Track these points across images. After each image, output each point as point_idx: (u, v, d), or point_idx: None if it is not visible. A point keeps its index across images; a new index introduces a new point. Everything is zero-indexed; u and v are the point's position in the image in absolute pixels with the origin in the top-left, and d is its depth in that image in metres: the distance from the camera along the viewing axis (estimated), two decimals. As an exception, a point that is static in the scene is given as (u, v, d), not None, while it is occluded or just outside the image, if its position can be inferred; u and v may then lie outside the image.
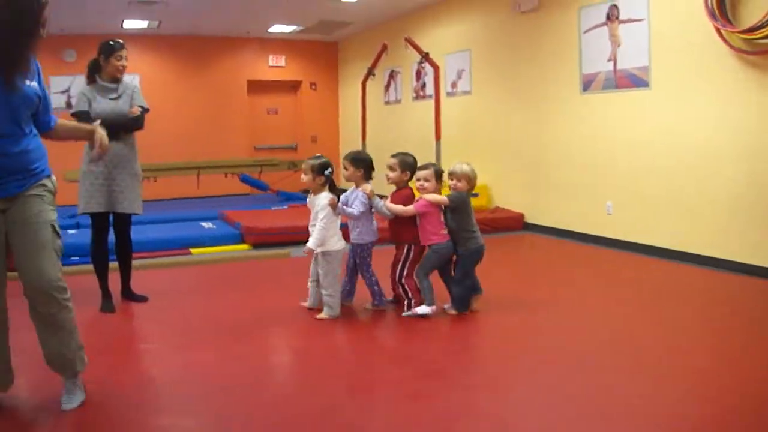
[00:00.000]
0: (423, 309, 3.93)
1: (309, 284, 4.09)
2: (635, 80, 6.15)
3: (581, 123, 6.85)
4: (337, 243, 3.93)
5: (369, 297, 4.16)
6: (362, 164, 4.05)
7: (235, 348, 3.45)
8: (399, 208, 3.97)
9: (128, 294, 4.53)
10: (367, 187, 3.99)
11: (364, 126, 9.34)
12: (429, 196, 3.96)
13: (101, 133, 2.86)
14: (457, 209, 3.94)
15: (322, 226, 3.87)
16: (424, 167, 4.02)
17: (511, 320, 3.90)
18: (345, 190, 4.16)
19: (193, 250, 6.36)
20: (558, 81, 7.12)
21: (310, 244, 3.87)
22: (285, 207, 8.66)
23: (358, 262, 4.07)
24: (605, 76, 6.48)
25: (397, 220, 4.00)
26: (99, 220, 4.27)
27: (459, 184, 3.96)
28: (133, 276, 4.61)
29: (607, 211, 6.59)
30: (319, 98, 12.60)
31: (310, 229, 3.96)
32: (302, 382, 3.00)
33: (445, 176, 4.06)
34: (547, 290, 4.66)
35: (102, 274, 4.36)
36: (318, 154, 4.03)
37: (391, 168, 4.05)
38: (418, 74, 9.86)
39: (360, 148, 9.50)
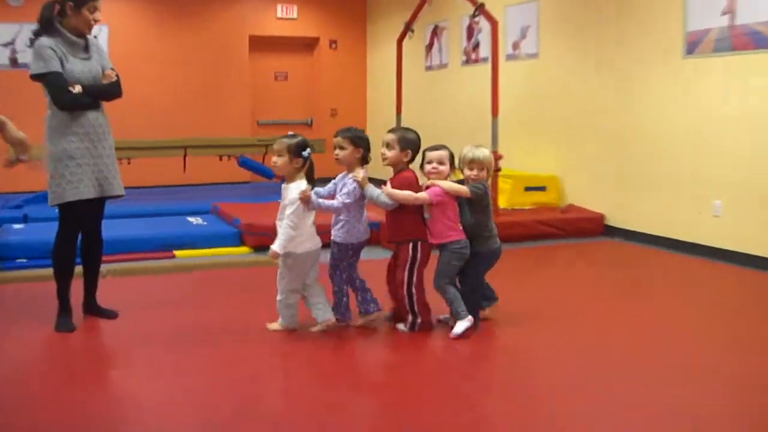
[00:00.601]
0: (462, 325, 4.06)
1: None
2: (759, 40, 6.02)
3: (682, 97, 6.75)
4: (303, 244, 4.01)
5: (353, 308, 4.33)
6: (363, 143, 4.15)
7: (222, 375, 3.54)
8: (405, 194, 4.05)
9: (93, 308, 4.57)
10: (360, 172, 4.08)
11: (399, 97, 9.33)
12: (445, 183, 4.08)
13: (15, 134, 2.80)
14: (478, 203, 4.12)
15: (289, 224, 3.93)
16: (436, 147, 4.16)
17: (580, 352, 3.93)
18: (327, 180, 4.22)
19: (177, 253, 6.41)
20: (653, 41, 7.03)
21: (276, 246, 3.94)
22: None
23: (340, 264, 4.17)
24: (718, 35, 6.37)
25: (399, 211, 4.09)
26: (84, 210, 4.30)
27: (481, 173, 4.13)
28: (100, 285, 4.66)
29: (714, 212, 6.49)
30: (341, 60, 12.63)
31: (277, 225, 4.07)
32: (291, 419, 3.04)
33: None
34: (629, 316, 4.61)
35: (67, 281, 4.38)
36: (292, 133, 4.10)
37: (389, 145, 4.14)
38: (470, 31, 9.83)
39: (394, 124, 9.53)
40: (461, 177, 4.21)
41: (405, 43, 9.09)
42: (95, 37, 4.48)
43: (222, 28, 11.80)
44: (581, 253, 6.75)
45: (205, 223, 7.22)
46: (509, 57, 8.96)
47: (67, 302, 4.38)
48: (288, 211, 3.95)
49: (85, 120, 4.26)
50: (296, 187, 3.97)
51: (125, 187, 4.52)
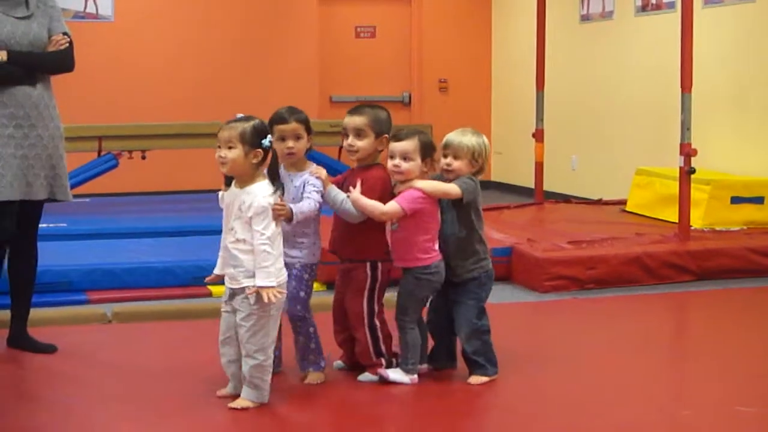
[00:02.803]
0: (399, 377, 4.37)
1: (222, 353, 4.22)
2: None
3: None
4: (281, 270, 4.11)
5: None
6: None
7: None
8: (372, 204, 4.27)
9: (24, 341, 4.85)
10: (321, 169, 4.34)
11: (541, 65, 9.29)
12: (423, 183, 4.29)
13: None
14: (469, 206, 4.37)
15: (266, 245, 3.98)
16: (403, 135, 4.36)
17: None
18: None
19: (214, 289, 6.48)
20: None
21: (266, 280, 3.98)
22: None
23: (297, 294, 4.38)
24: None
25: (359, 224, 4.33)
26: (2, 217, 4.55)
27: (456, 164, 4.36)
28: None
29: None
30: (454, 10, 12.67)
31: (223, 252, 4.18)
32: None
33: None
34: None
35: None
36: (241, 114, 4.14)
37: (358, 132, 4.36)
38: (648, -37, 9.74)
39: (533, 102, 9.49)
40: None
41: (550, -19, 9.13)
42: None
43: (280, -36, 12.01)
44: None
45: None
46: (709, 0, 8.82)
47: None
48: (258, 226, 3.99)
49: (10, 98, 4.45)
50: (261, 191, 4.03)
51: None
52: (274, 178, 4.12)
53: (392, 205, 4.25)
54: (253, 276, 3.99)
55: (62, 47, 4.58)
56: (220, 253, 4.21)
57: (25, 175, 4.50)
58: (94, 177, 9.13)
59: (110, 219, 8.48)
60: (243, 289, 4.02)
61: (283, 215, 4.08)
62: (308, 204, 4.23)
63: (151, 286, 6.51)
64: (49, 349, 4.85)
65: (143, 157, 9.25)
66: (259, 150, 4.05)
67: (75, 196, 9.14)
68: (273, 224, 4.02)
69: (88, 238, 7.51)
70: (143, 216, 8.80)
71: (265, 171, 4.12)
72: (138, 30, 11.29)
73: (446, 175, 4.36)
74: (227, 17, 11.78)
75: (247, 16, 11.86)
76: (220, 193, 4.20)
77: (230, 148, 4.02)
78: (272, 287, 3.96)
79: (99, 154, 9.09)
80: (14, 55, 4.41)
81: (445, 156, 4.37)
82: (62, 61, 4.61)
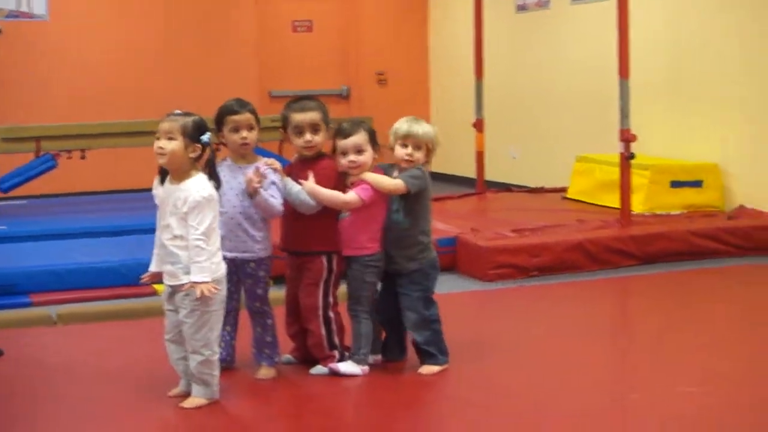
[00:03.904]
0: (351, 368, 4.41)
1: (170, 352, 4.23)
2: None
3: None
4: (220, 263, 4.12)
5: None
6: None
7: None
8: (331, 194, 4.36)
9: None
10: (275, 161, 4.45)
11: (479, 55, 9.33)
12: (372, 177, 4.37)
13: None
14: (417, 198, 4.44)
15: (201, 240, 3.98)
16: (347, 130, 4.40)
17: None
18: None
19: (159, 287, 6.45)
20: None
21: (200, 276, 3.97)
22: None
23: (254, 291, 4.46)
24: None
25: (312, 216, 4.40)
26: None
27: (417, 154, 4.43)
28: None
29: None
30: (391, 3, 12.69)
31: (158, 249, 4.19)
32: None
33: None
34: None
35: None
36: (179, 111, 4.15)
37: (314, 127, 4.43)
38: (583, -49, 9.79)
39: (472, 92, 9.51)
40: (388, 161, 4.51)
41: (486, -29, 9.16)
42: None
43: (215, -42, 11.94)
44: (762, 280, 6.64)
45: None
46: (643, -12, 8.88)
47: None
48: (193, 221, 3.99)
49: None
50: (196, 186, 4.02)
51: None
52: (213, 174, 4.12)
53: (352, 196, 4.31)
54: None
55: None
56: (155, 251, 4.20)
57: None
58: (33, 178, 8.99)
59: (51, 220, 8.36)
60: (183, 286, 4.01)
61: (253, 191, 4.21)
62: (275, 203, 4.30)
63: (96, 286, 6.45)
64: None
65: (82, 157, 9.13)
66: (198, 145, 4.05)
67: (13, 197, 9.22)
68: (208, 219, 4.00)
69: (29, 240, 7.42)
70: (84, 216, 8.68)
71: (203, 166, 4.12)
72: (74, 28, 11.16)
73: (406, 165, 4.39)
74: (164, 14, 11.69)
75: (185, 13, 11.78)
76: (154, 187, 4.17)
77: (170, 139, 4.02)
78: (207, 282, 3.94)
79: (37, 155, 8.96)
80: None
81: (405, 146, 4.40)
82: None
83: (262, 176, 4.25)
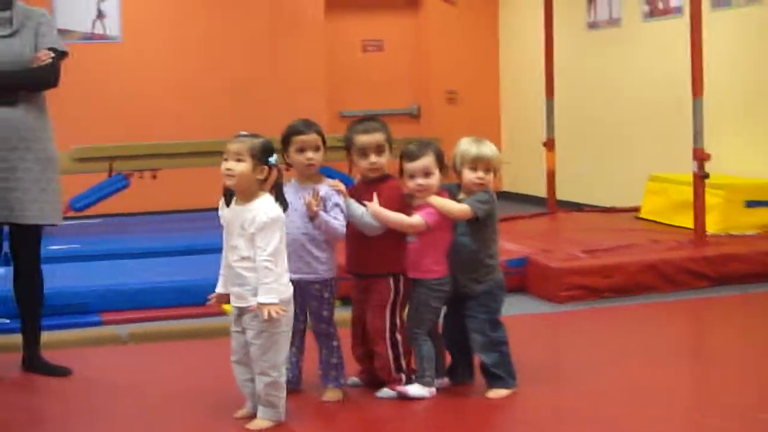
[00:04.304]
0: (418, 391, 4.35)
1: (236, 374, 4.21)
2: None
3: None
4: (288, 284, 4.10)
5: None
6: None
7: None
8: (397, 217, 4.32)
9: (37, 363, 4.89)
10: (340, 183, 4.39)
11: (549, 73, 9.26)
12: (438, 201, 4.32)
13: None
14: (484, 221, 4.38)
15: (268, 261, 3.96)
16: (415, 153, 4.35)
17: None
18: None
19: (227, 307, 6.47)
20: None
21: (267, 297, 3.95)
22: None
23: (319, 313, 4.42)
24: None
25: (377, 237, 4.35)
26: None
27: (487, 177, 4.38)
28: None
29: None
30: (461, 21, 12.59)
31: (225, 270, 4.20)
32: None
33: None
34: None
35: None
36: (244, 132, 4.16)
37: (379, 148, 4.38)
38: (655, -32, 9.71)
39: (543, 112, 9.45)
40: (454, 181, 4.45)
41: (557, -11, 9.10)
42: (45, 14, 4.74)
43: (286, -21, 12.01)
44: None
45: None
46: (717, 4, 8.77)
47: None
48: (261, 242, 3.97)
49: None
50: (264, 206, 4.01)
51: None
52: (280, 197, 4.11)
53: (417, 219, 4.27)
54: None
55: (43, 63, 4.58)
56: (221, 272, 4.22)
57: (5, 199, 4.58)
58: (106, 197, 9.13)
59: (122, 239, 8.48)
60: (250, 308, 4.01)
61: (315, 210, 4.18)
62: (337, 225, 4.27)
63: (166, 305, 6.50)
64: (64, 371, 4.87)
65: (154, 177, 9.24)
66: (266, 167, 4.05)
67: (86, 216, 9.33)
68: (275, 240, 3.99)
69: (101, 259, 7.52)
70: (155, 235, 8.80)
71: (270, 188, 4.12)
72: (146, 50, 11.28)
73: (475, 189, 4.34)
74: (234, 34, 11.75)
75: (255, 33, 11.84)
76: (220, 208, 4.19)
77: (239, 160, 4.02)
78: (274, 304, 3.93)
79: (110, 175, 9.08)
80: None
81: (474, 169, 4.34)
82: (41, 77, 4.61)
83: (322, 199, 4.22)
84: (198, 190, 10.93)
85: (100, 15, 11.14)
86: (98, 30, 11.15)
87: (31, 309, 4.91)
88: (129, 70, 11.20)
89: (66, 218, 9.02)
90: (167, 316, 6.37)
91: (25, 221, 4.64)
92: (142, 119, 11.08)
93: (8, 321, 6.00)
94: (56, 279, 6.38)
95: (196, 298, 6.49)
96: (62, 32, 10.66)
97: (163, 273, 6.97)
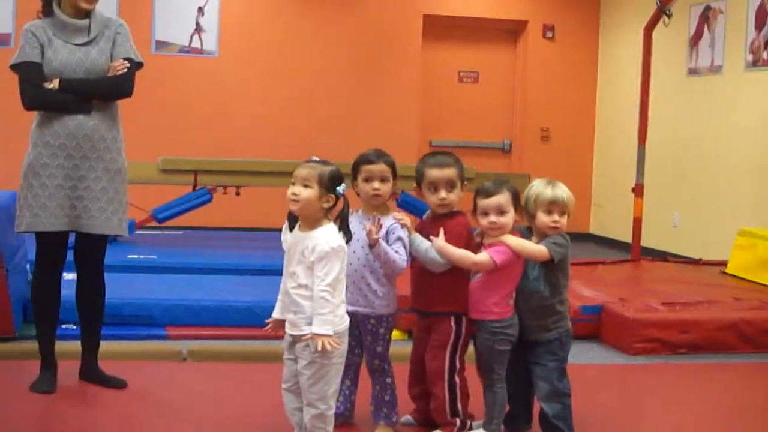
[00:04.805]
0: None
1: (286, 401, 4.15)
2: None
3: None
4: (344, 317, 4.04)
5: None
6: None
7: None
8: (462, 253, 4.22)
9: (94, 374, 4.95)
10: (406, 217, 4.35)
11: (644, 117, 9.12)
12: (513, 241, 4.22)
13: None
14: (559, 265, 4.30)
15: (327, 291, 3.89)
16: (493, 189, 4.28)
17: None
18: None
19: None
20: None
21: (323, 328, 3.88)
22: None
23: (373, 348, 4.38)
24: None
25: (442, 274, 4.27)
26: (52, 245, 4.75)
27: (562, 221, 4.27)
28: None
29: None
30: (560, 57, 12.60)
31: (283, 296, 4.15)
32: None
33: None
34: None
35: (44, 329, 4.87)
36: (316, 157, 4.12)
37: (450, 183, 4.31)
38: (761, 15, 9.54)
39: (633, 155, 9.33)
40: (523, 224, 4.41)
41: (657, 32, 8.95)
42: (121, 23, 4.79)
43: (381, 4, 12.00)
44: None
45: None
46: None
47: (48, 356, 4.83)
48: (320, 272, 3.91)
49: (62, 127, 4.58)
50: (326, 236, 3.94)
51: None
52: (344, 227, 4.06)
53: (484, 257, 4.18)
54: None
55: (119, 72, 4.63)
56: (279, 297, 4.18)
57: (74, 207, 4.62)
58: (188, 210, 9.20)
59: (199, 253, 8.50)
60: (303, 337, 3.95)
61: (375, 237, 4.14)
62: (397, 258, 4.21)
63: (229, 324, 6.50)
64: (119, 384, 4.89)
65: (237, 193, 9.30)
66: (332, 195, 4.01)
67: (167, 227, 9.41)
68: (335, 271, 3.94)
69: (176, 272, 7.56)
70: (232, 252, 8.80)
71: (335, 217, 4.09)
72: (241, 66, 11.40)
73: (550, 232, 4.25)
74: (329, 58, 11.84)
75: (350, 57, 11.92)
76: (283, 233, 4.17)
77: (306, 186, 3.98)
78: (328, 335, 3.87)
79: (194, 188, 9.15)
80: (65, 82, 4.53)
81: (550, 213, 4.25)
82: (117, 87, 4.65)
83: (385, 230, 4.17)
84: (281, 209, 10.96)
85: (199, 29, 11.29)
86: (195, 44, 11.30)
87: (91, 319, 4.96)
88: (223, 85, 11.35)
89: (147, 227, 9.23)
90: (231, 335, 6.36)
91: (91, 230, 4.67)
92: (231, 135, 11.23)
93: (75, 327, 6.04)
94: (127, 289, 6.44)
95: (259, 319, 6.50)
96: (160, 44, 11.06)
97: (233, 291, 6.95)
